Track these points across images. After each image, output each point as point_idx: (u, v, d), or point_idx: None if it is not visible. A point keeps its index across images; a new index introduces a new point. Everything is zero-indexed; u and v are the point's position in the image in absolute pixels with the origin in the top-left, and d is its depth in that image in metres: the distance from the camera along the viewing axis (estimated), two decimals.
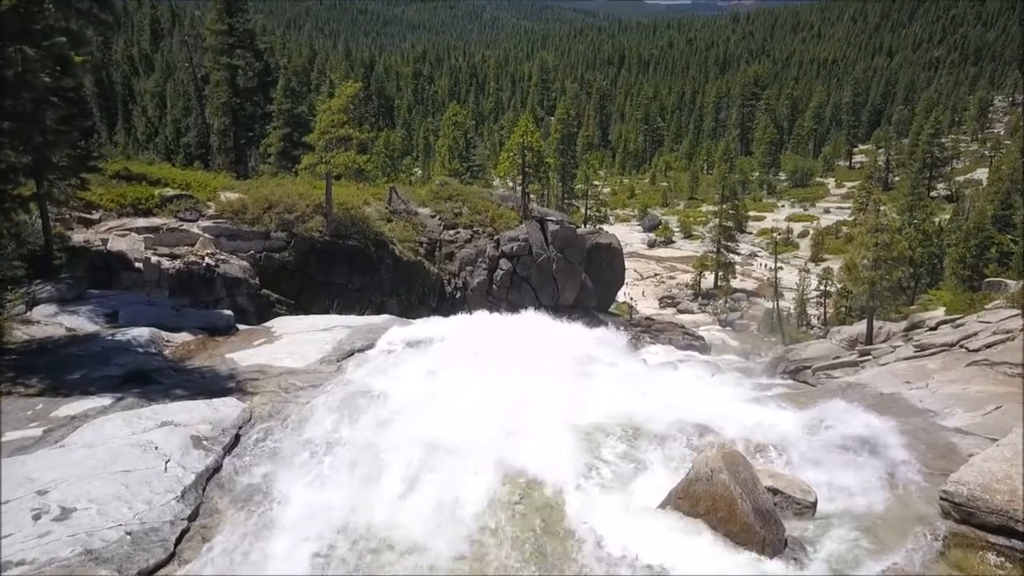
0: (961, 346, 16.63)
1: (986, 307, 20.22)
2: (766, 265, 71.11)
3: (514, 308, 28.18)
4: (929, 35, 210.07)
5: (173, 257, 21.59)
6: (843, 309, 50.23)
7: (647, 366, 18.34)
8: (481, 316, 19.89)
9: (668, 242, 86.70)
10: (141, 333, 14.65)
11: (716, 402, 13.32)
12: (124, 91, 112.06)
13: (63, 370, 12.58)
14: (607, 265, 33.64)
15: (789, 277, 66.53)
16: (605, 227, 68.89)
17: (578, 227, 33.94)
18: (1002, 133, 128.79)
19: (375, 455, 9.87)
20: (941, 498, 8.28)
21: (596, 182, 70.16)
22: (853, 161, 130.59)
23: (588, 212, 67.57)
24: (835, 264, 66.16)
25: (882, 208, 21.13)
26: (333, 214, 24.56)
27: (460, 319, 19.17)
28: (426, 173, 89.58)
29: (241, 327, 17.94)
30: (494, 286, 27.48)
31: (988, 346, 15.94)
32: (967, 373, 13.62)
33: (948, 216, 72.11)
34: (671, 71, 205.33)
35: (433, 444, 10.07)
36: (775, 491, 8.32)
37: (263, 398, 12.01)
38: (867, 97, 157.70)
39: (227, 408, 11.12)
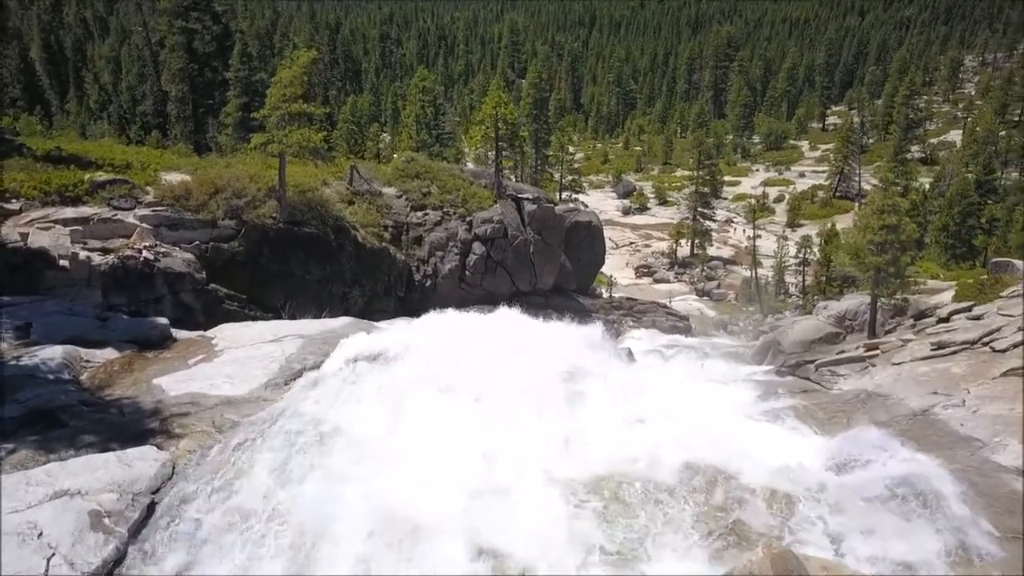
0: (985, 344, 15.03)
1: (1001, 295, 18.70)
2: (744, 231, 69.68)
3: (489, 295, 26.27)
4: None
5: (106, 251, 19.17)
6: (823, 279, 48.99)
7: (639, 369, 16.58)
8: (452, 317, 17.86)
9: (643, 209, 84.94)
10: (53, 355, 12.42)
11: (725, 425, 11.59)
12: (76, 56, 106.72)
13: None
14: (587, 245, 31.66)
15: (766, 244, 65.32)
16: (580, 197, 66.80)
17: (555, 204, 31.86)
18: (973, 93, 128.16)
19: (320, 531, 7.94)
20: None
21: (570, 148, 67.81)
22: (826, 123, 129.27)
23: (563, 181, 65.39)
24: (812, 230, 64.98)
25: (891, 188, 19.44)
26: (288, 198, 22.25)
27: (428, 322, 17.17)
28: (395, 140, 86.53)
29: (180, 335, 15.73)
30: (467, 272, 25.40)
31: (1016, 346, 14.35)
32: (1008, 387, 11.97)
33: (925, 180, 71.07)
34: (643, 32, 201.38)
35: (392, 514, 8.16)
36: None
37: (191, 442, 9.99)
38: (839, 58, 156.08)
39: (143, 463, 9.09)
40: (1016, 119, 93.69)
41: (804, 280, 55.63)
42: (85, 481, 8.48)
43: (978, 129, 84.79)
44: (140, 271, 19.18)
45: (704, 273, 61.05)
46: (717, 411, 12.81)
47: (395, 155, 65.70)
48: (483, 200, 26.69)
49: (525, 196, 28.18)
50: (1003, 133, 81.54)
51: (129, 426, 10.41)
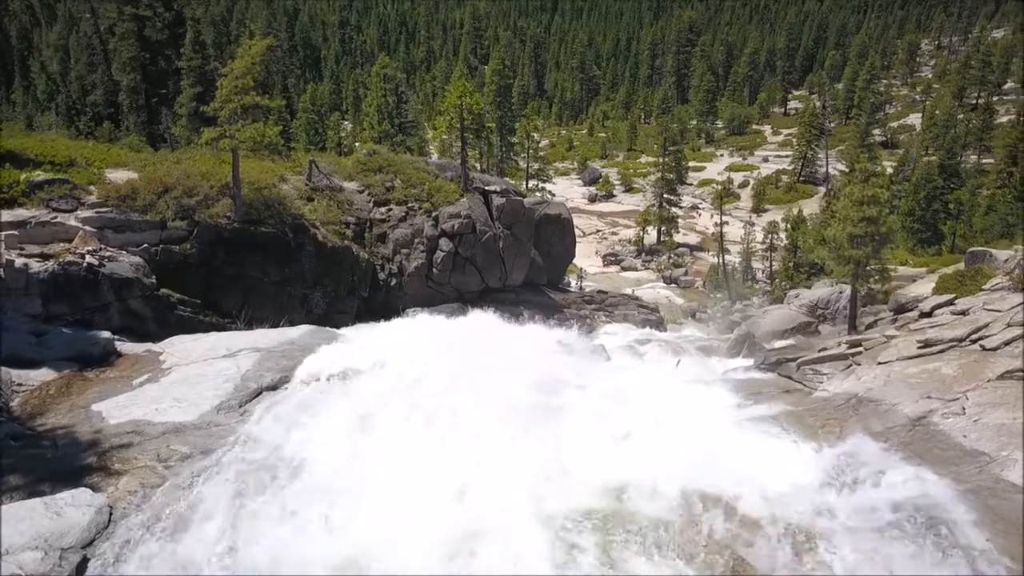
0: (974, 342, 14.51)
1: (984, 287, 18.28)
2: (712, 216, 69.47)
3: (458, 293, 25.37)
4: None
5: (45, 257, 17.78)
6: (790, 265, 48.93)
7: (618, 372, 15.81)
8: (420, 323, 16.98)
9: (609, 196, 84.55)
10: None
11: (714, 438, 10.88)
12: (22, 44, 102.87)
13: None
14: (557, 238, 30.80)
15: (732, 230, 65.30)
16: (546, 186, 65.98)
17: (524, 196, 30.92)
18: (930, 76, 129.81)
19: None
20: None
21: (534, 134, 66.83)
22: (788, 107, 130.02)
23: (529, 170, 64.43)
24: (777, 215, 65.08)
25: (872, 179, 18.90)
26: (243, 196, 21.02)
27: (395, 329, 16.26)
28: (356, 128, 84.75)
29: (125, 348, 14.60)
30: (434, 270, 24.36)
31: (1007, 343, 13.86)
32: (1007, 392, 11.40)
33: (888, 163, 71.47)
34: (605, 17, 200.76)
35: (359, 563, 7.28)
36: None
37: (132, 481, 8.97)
38: (800, 42, 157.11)
39: (75, 510, 8.05)
40: (974, 102, 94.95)
41: (771, 266, 55.69)
42: (6, 536, 7.43)
43: (937, 112, 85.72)
44: (83, 277, 17.84)
45: (671, 260, 60.78)
46: (703, 420, 12.09)
47: (356, 144, 64.08)
48: (449, 194, 25.66)
49: (493, 189, 27.19)
50: (961, 116, 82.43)
51: (63, 463, 9.33)
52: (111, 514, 8.25)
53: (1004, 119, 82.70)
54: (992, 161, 67.03)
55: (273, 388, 11.99)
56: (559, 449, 9.83)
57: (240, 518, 8.22)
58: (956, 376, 12.90)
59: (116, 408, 10.94)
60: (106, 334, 14.56)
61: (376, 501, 8.37)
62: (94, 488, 8.66)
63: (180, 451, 9.71)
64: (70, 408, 11.12)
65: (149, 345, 14.81)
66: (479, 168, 53.26)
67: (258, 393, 11.75)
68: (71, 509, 8.07)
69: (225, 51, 78.71)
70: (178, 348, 14.02)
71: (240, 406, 11.27)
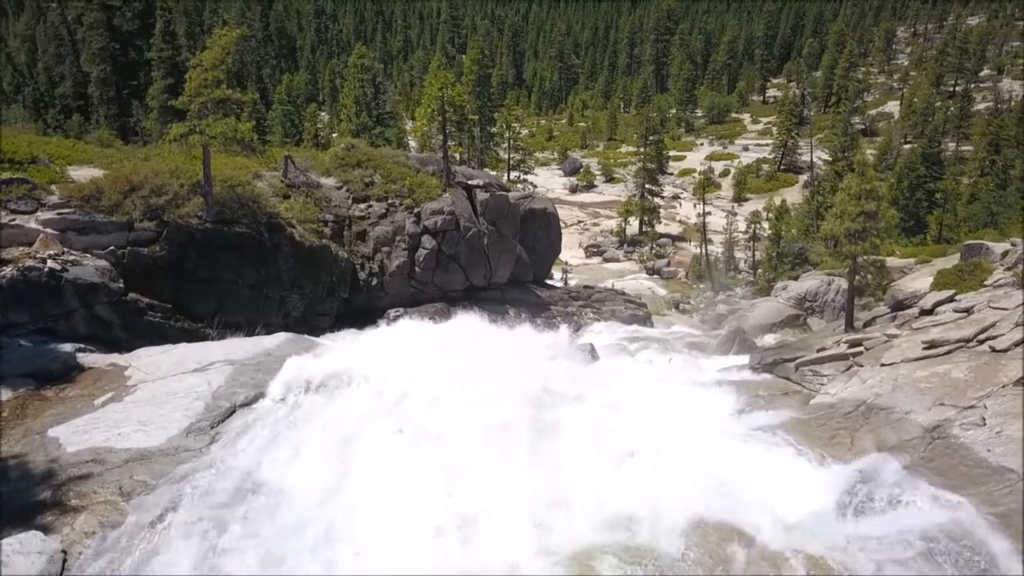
0: (982, 343, 13.96)
1: (986, 283, 17.77)
2: (695, 205, 69.10)
3: (441, 292, 24.54)
4: None
5: (3, 262, 16.74)
6: (774, 255, 48.58)
7: (611, 377, 15.10)
8: (404, 330, 16.17)
9: (590, 186, 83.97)
10: None
11: (720, 454, 10.21)
12: None
13: None
14: (543, 233, 30.01)
15: (713, 219, 65.04)
16: (528, 177, 65.18)
17: (508, 190, 30.08)
18: (907, 64, 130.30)
19: None
20: None
21: (514, 124, 65.99)
22: (767, 96, 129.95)
23: (510, 161, 63.62)
24: (758, 204, 64.79)
25: (869, 172, 18.28)
26: (215, 194, 20.02)
27: (378, 337, 15.46)
28: (333, 119, 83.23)
29: (89, 361, 13.64)
30: (417, 268, 23.48)
31: (1017, 344, 13.31)
32: None
33: (869, 152, 71.34)
34: (582, 5, 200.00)
35: None
36: None
37: (90, 519, 8.10)
38: (777, 30, 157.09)
39: (23, 559, 7.19)
40: (951, 90, 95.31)
41: (754, 256, 55.39)
42: None
43: (915, 100, 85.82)
44: (45, 283, 16.77)
45: (653, 251, 60.39)
46: (706, 433, 11.43)
47: (333, 136, 62.74)
48: (431, 189, 24.77)
49: (476, 183, 26.33)
50: (939, 104, 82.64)
51: (13, 499, 8.45)
52: (64, 561, 7.41)
53: (981, 106, 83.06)
54: (971, 149, 67.23)
55: (247, 405, 11.13)
56: (559, 474, 9.11)
57: (213, 560, 7.42)
58: (968, 381, 12.32)
59: (75, 433, 10.04)
60: (67, 347, 13.59)
61: (363, 538, 7.60)
62: (47, 530, 7.80)
63: (145, 482, 8.86)
64: (24, 433, 10.19)
65: (114, 358, 13.84)
66: (459, 159, 52.43)
67: (231, 412, 10.88)
68: (19, 557, 7.22)
69: (197, 41, 76.87)
70: (145, 362, 13.09)
71: (212, 427, 10.40)
